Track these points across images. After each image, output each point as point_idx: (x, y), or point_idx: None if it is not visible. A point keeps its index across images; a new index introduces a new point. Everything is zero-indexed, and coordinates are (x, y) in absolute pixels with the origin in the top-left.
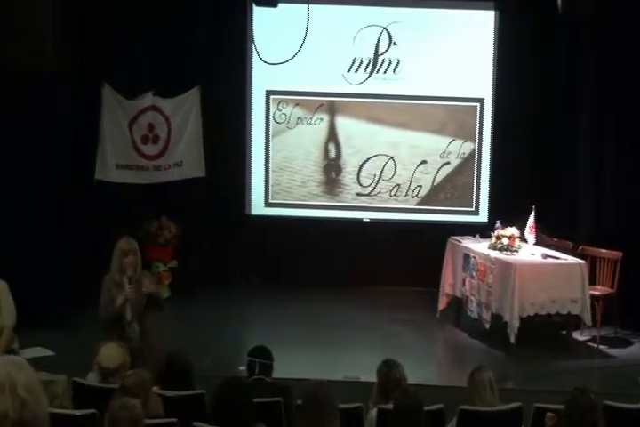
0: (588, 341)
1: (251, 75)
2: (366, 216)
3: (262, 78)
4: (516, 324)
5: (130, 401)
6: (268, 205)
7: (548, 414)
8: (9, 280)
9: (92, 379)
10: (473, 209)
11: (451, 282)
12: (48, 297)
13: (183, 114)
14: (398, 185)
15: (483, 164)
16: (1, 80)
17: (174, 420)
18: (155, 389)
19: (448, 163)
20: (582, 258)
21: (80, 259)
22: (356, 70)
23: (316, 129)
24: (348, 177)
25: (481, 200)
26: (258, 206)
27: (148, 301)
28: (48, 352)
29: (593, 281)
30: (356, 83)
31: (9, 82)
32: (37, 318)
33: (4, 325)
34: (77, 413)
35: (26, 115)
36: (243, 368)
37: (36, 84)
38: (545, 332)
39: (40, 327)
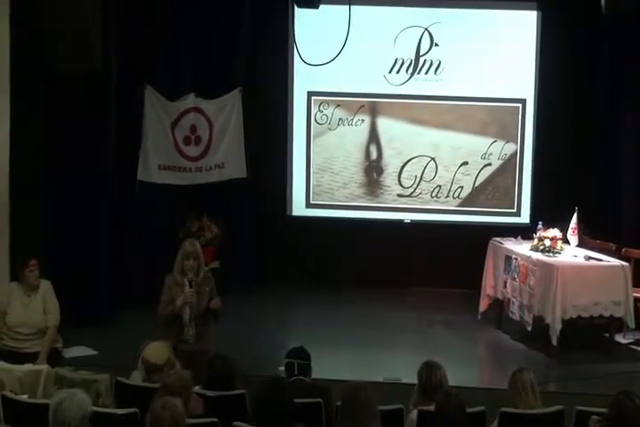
0: (631, 343)
1: (292, 76)
2: (407, 217)
3: (304, 79)
4: (558, 326)
5: (171, 401)
6: (308, 206)
7: (593, 417)
8: (53, 280)
9: (136, 378)
10: (514, 210)
11: (492, 284)
12: (91, 297)
13: (225, 115)
14: (439, 186)
15: (524, 165)
16: (48, 81)
17: (215, 420)
18: (196, 388)
19: (489, 164)
20: (625, 260)
21: (122, 259)
22: (398, 71)
23: (357, 130)
24: (389, 178)
25: (522, 201)
26: (299, 207)
27: (207, 310)
28: (91, 351)
29: (636, 283)
30: (397, 84)
31: (56, 83)
32: (81, 318)
33: (49, 324)
34: (120, 412)
35: (71, 115)
36: (282, 369)
37: (81, 85)
38: (587, 334)
39: (83, 327)
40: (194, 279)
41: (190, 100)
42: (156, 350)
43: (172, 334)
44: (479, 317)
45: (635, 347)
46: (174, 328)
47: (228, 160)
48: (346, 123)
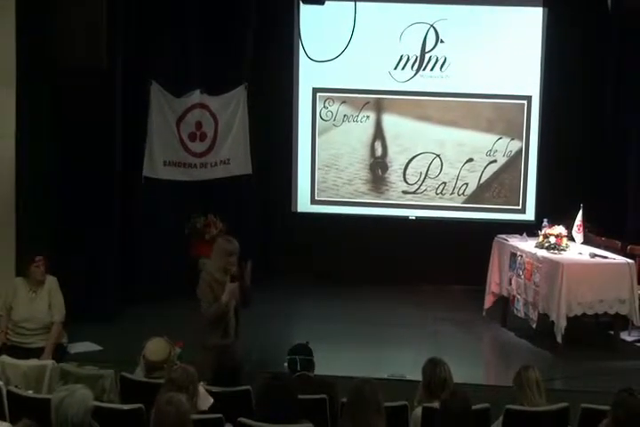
0: (636, 341)
1: (297, 72)
2: (412, 214)
3: (309, 76)
4: (563, 323)
5: (176, 396)
6: (314, 202)
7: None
8: (59, 276)
9: (139, 374)
10: (520, 207)
11: (497, 281)
12: (97, 292)
13: (230, 111)
14: (444, 183)
15: (530, 162)
16: (55, 79)
17: (220, 415)
18: (201, 384)
19: (495, 161)
20: (631, 257)
21: (128, 255)
22: (403, 68)
23: (362, 127)
24: (394, 175)
25: (528, 198)
26: (304, 204)
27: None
28: (96, 347)
29: None
30: (402, 80)
31: (62, 81)
32: (86, 314)
33: (54, 320)
34: (125, 407)
35: (77, 113)
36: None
37: (87, 83)
38: (592, 332)
39: (88, 322)
40: (234, 275)
41: (196, 97)
42: (156, 348)
43: (219, 331)
44: (484, 314)
45: (639, 345)
46: (220, 325)
47: (233, 156)
48: (351, 119)
